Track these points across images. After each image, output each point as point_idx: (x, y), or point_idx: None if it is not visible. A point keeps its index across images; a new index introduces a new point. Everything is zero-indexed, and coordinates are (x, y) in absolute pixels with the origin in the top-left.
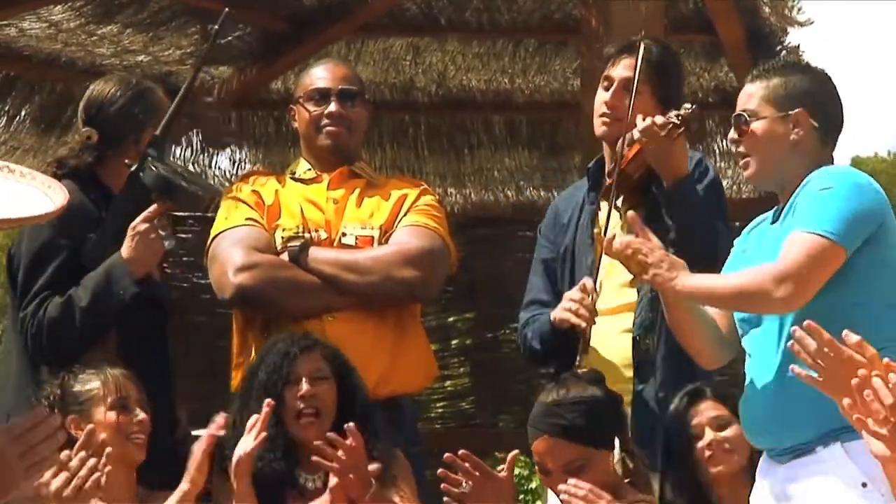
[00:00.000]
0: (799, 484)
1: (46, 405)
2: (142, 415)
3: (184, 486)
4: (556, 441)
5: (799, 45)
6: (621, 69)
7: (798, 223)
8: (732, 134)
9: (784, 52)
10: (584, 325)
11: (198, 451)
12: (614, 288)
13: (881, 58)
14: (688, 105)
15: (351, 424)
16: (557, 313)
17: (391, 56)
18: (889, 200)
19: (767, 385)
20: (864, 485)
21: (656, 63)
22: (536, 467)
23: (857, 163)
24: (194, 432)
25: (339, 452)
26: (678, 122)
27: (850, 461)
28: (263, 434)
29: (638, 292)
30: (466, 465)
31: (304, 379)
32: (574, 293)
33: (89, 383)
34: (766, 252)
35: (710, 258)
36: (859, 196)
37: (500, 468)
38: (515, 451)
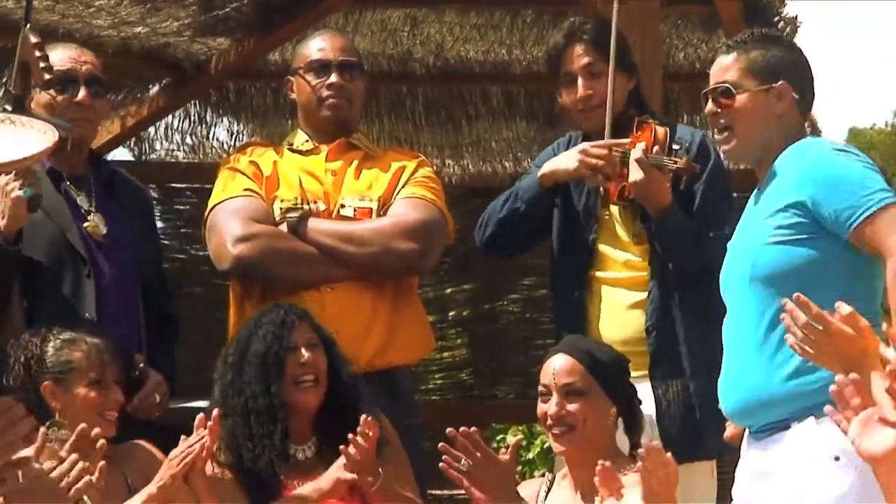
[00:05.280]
0: (773, 459)
1: (23, 362)
2: (117, 393)
3: (151, 487)
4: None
5: (797, 17)
6: (577, 59)
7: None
8: (711, 107)
9: (781, 23)
10: (600, 175)
11: (179, 459)
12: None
13: (880, 30)
14: (680, 149)
15: (367, 417)
16: (564, 163)
17: (389, 27)
18: (887, 171)
19: (745, 365)
20: (836, 458)
21: (615, 40)
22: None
23: (855, 134)
24: (190, 404)
25: (355, 449)
26: (673, 168)
27: (822, 435)
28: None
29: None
30: (467, 442)
31: (302, 347)
32: (591, 149)
33: (70, 354)
34: (748, 237)
35: (698, 270)
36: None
37: (502, 452)
38: (519, 437)
